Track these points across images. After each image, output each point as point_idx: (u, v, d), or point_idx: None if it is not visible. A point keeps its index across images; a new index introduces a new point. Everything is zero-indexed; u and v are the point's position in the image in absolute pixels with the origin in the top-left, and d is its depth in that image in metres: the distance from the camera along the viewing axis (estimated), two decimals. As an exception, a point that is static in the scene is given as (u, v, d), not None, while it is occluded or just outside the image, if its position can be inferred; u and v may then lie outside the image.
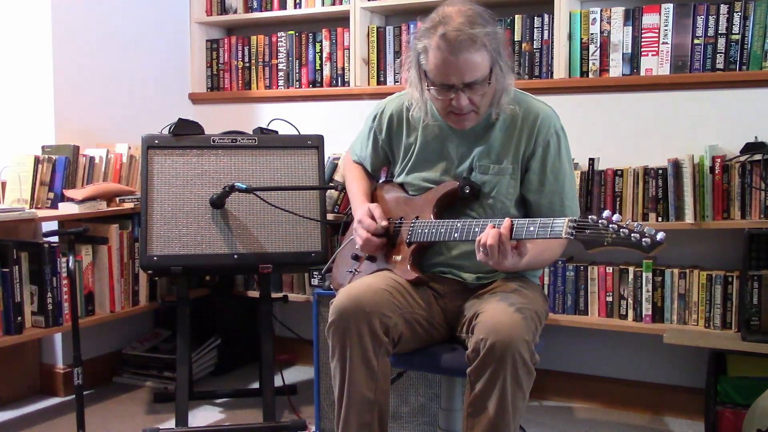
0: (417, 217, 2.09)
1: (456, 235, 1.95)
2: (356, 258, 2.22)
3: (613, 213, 1.67)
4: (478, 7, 1.95)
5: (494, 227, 1.81)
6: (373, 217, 2.10)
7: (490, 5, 3.08)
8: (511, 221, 1.80)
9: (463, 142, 2.08)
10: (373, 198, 2.28)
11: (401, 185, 2.21)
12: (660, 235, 1.60)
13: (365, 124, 2.31)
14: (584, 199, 2.82)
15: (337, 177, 3.10)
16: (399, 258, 2.09)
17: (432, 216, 2.05)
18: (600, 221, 1.67)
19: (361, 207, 2.18)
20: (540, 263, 2.02)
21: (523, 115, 2.04)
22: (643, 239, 1.61)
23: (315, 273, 2.66)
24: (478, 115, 2.00)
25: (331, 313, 1.92)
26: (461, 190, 2.03)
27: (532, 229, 1.78)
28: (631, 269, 2.81)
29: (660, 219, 2.72)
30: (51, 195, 2.95)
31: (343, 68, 3.41)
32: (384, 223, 2.10)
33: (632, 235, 1.62)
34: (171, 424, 2.79)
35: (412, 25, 3.20)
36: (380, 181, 2.39)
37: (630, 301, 2.80)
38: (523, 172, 2.05)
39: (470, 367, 1.81)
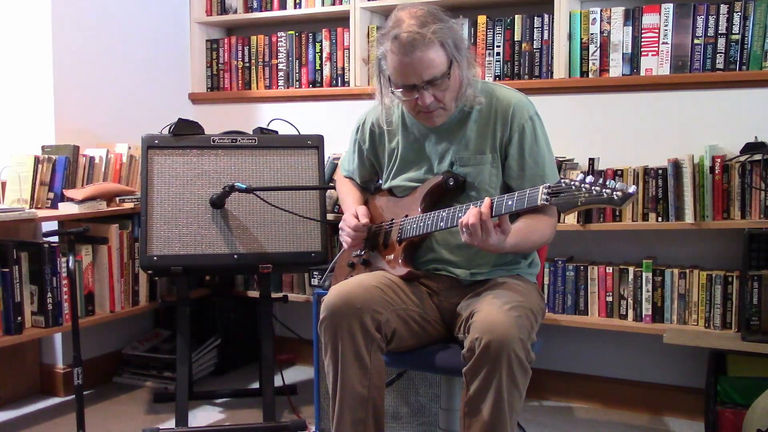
0: (406, 216, 2.11)
1: (442, 224, 1.98)
2: (352, 266, 2.24)
3: (594, 180, 1.69)
4: (431, 6, 2.00)
5: (475, 207, 1.84)
6: (357, 217, 2.16)
7: (491, 5, 3.12)
8: (491, 199, 1.83)
9: (441, 139, 2.11)
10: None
11: (390, 191, 2.24)
12: (632, 188, 1.63)
13: (350, 138, 2.35)
14: (584, 199, 2.82)
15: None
16: (391, 257, 2.11)
17: (420, 212, 2.08)
18: (573, 183, 1.70)
19: (348, 211, 2.24)
20: (530, 244, 2.02)
21: (495, 105, 2.07)
22: (615, 193, 1.64)
23: (315, 273, 2.67)
24: (446, 110, 2.04)
25: (321, 310, 1.94)
26: (446, 183, 2.06)
27: (510, 202, 1.82)
28: (631, 269, 2.81)
29: (660, 219, 2.72)
30: (51, 195, 2.95)
31: (343, 68, 3.41)
32: (365, 220, 2.15)
33: (604, 191, 1.65)
34: (171, 424, 2.79)
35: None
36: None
37: (630, 301, 2.80)
38: (502, 160, 2.07)
39: (466, 366, 1.82)
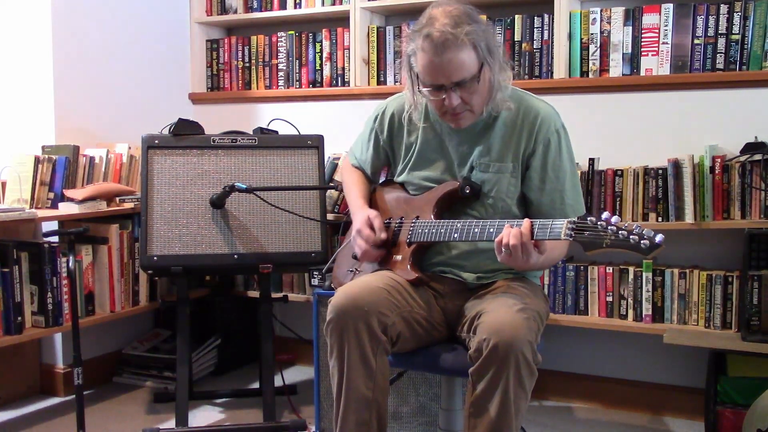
0: (417, 217, 2.09)
1: (456, 235, 1.96)
2: (357, 257, 2.22)
3: (613, 214, 1.67)
4: (465, 7, 1.96)
5: (512, 227, 1.80)
6: (372, 228, 2.10)
7: (491, 5, 3.12)
8: (531, 222, 1.80)
9: (463, 141, 2.09)
10: (373, 197, 2.28)
11: (402, 184, 2.21)
12: (659, 238, 1.61)
13: (366, 125, 2.31)
14: (584, 199, 2.82)
15: (337, 177, 3.10)
16: (399, 258, 2.09)
17: (432, 216, 2.05)
18: (599, 223, 1.67)
19: (360, 213, 2.17)
20: (550, 262, 2.01)
21: (523, 114, 2.04)
22: (642, 242, 1.61)
23: (315, 273, 2.66)
24: (473, 113, 2.01)
25: (329, 312, 1.93)
26: (461, 190, 2.04)
27: (534, 230, 1.79)
28: (631, 269, 2.81)
29: (660, 219, 2.72)
30: (51, 195, 2.95)
31: (343, 68, 3.41)
32: (383, 235, 2.10)
33: (631, 237, 1.63)
34: (171, 424, 2.79)
35: (411, 25, 3.19)
36: (380, 181, 2.39)
37: (630, 301, 2.80)
38: (523, 171, 2.05)
39: (472, 367, 1.81)
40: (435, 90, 1.95)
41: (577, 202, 2.07)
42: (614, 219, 1.66)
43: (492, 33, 1.99)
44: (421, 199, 2.12)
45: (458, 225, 1.96)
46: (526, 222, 1.79)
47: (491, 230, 1.88)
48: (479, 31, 1.91)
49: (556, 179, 2.03)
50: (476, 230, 1.91)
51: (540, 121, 2.02)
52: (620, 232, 1.64)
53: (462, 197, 2.05)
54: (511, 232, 1.78)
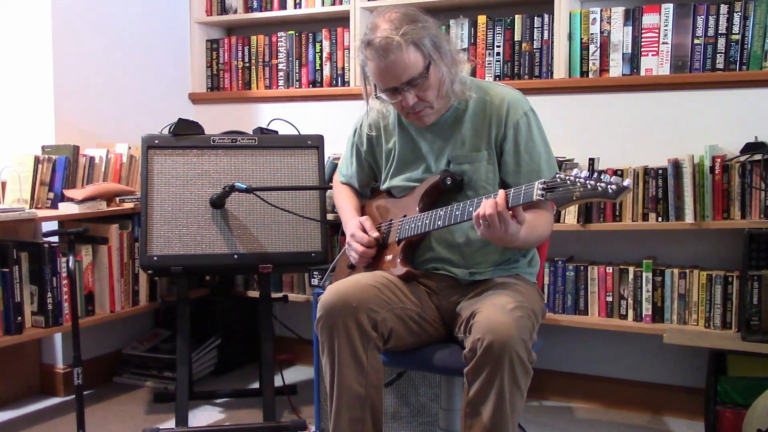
0: (404, 216, 2.12)
1: (440, 222, 1.99)
2: (352, 267, 2.24)
3: (588, 170, 1.71)
4: (407, 9, 2.02)
5: (488, 199, 1.83)
6: (364, 230, 2.15)
7: (491, 5, 3.12)
8: (505, 191, 1.83)
9: (437, 138, 2.12)
10: (363, 212, 2.31)
11: (388, 191, 2.24)
12: (626, 182, 1.64)
13: (347, 142, 2.36)
14: (584, 199, 2.82)
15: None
16: (390, 257, 2.12)
17: (418, 211, 2.09)
18: (568, 178, 1.71)
19: (351, 221, 2.22)
20: (536, 238, 2.01)
21: (490, 102, 2.08)
22: (609, 186, 1.64)
23: (315, 273, 2.67)
24: (433, 109, 2.05)
25: (318, 309, 1.95)
26: (443, 182, 2.07)
27: (509, 197, 1.82)
28: (631, 269, 2.81)
29: (660, 219, 2.72)
30: (51, 195, 2.95)
31: (343, 68, 3.41)
32: (375, 234, 2.15)
33: (599, 185, 1.66)
34: (171, 424, 2.79)
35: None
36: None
37: (630, 301, 2.80)
38: (498, 157, 2.08)
39: (467, 366, 1.82)
40: (391, 93, 2.01)
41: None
42: (584, 174, 1.70)
43: (438, 29, 2.02)
44: (407, 199, 2.16)
45: (440, 213, 2.00)
46: (500, 191, 1.82)
47: (471, 209, 1.91)
48: (419, 29, 1.95)
49: (531, 160, 2.06)
50: (458, 212, 1.95)
51: (508, 106, 2.06)
52: (588, 182, 1.67)
53: (445, 189, 2.08)
54: (487, 203, 1.81)
